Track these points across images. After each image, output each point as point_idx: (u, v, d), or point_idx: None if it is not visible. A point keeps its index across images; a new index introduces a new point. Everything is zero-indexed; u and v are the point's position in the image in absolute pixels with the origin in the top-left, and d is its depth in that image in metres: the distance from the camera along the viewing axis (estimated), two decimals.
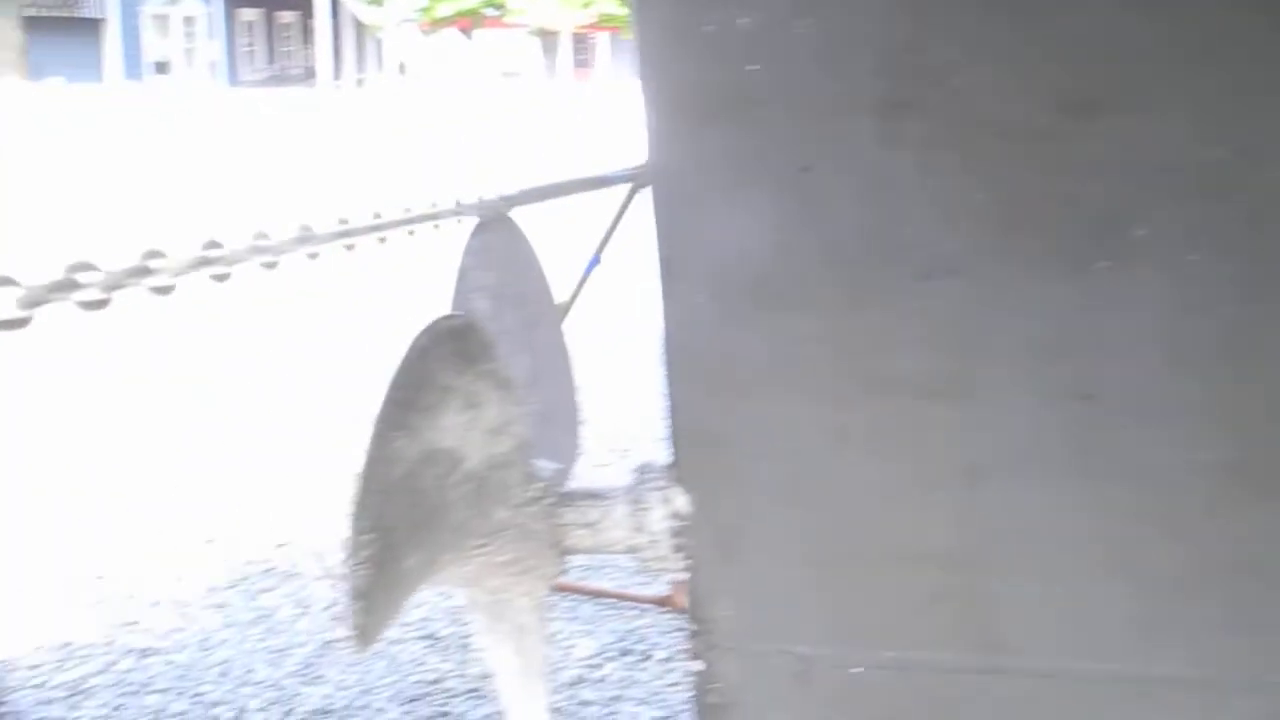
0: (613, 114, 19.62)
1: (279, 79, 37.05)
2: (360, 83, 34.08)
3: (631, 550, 1.37)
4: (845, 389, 1.26)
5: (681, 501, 1.30)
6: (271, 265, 0.67)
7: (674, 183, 1.27)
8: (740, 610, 1.32)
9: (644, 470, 1.37)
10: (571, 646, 3.53)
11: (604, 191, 3.30)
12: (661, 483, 1.34)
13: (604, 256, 3.53)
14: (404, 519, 1.10)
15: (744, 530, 1.30)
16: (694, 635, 1.33)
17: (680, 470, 1.30)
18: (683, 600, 3.51)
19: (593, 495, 1.38)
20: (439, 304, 1.44)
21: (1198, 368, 1.20)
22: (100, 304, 0.63)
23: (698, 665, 1.34)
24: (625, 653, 3.50)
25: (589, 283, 3.50)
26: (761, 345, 1.27)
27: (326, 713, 3.20)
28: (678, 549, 1.33)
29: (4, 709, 3.23)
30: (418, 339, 1.10)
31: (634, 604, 3.81)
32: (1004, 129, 1.17)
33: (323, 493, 4.36)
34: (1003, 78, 1.16)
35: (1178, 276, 1.17)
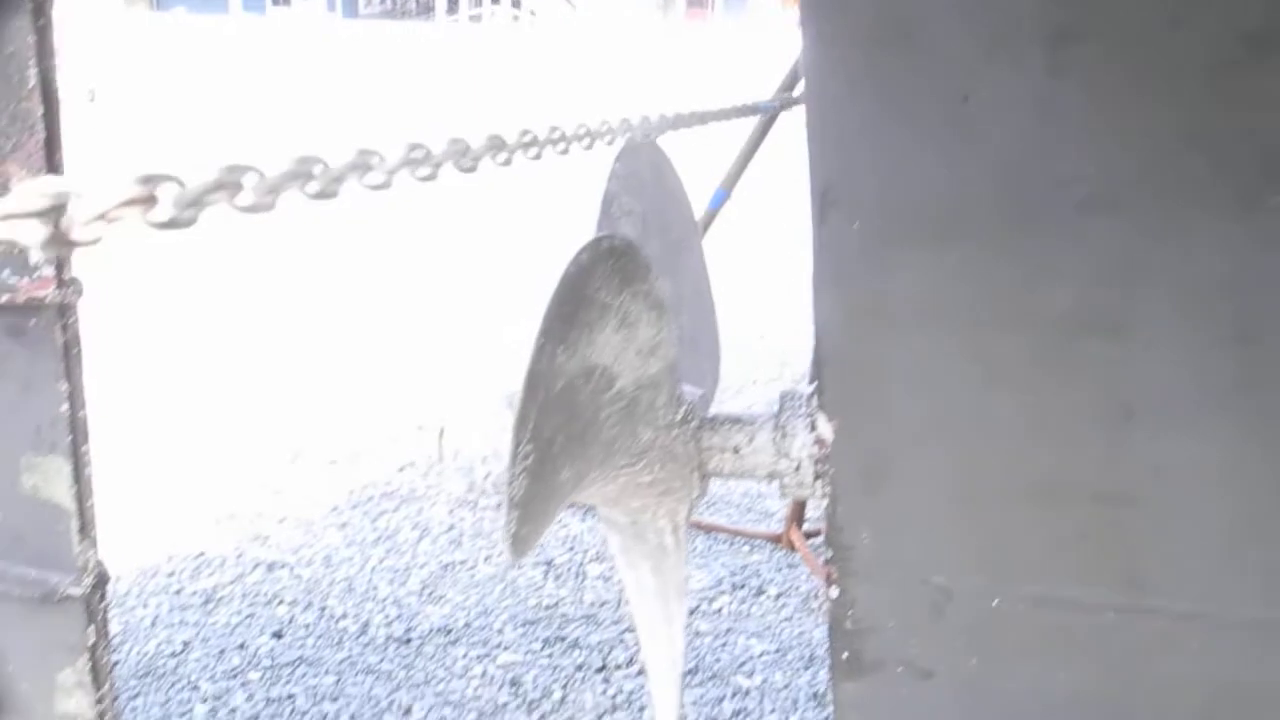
0: (731, 52, 19.41)
1: (395, 13, 37.30)
2: (475, 18, 34.19)
3: (773, 476, 1.38)
4: (998, 322, 1.25)
5: (826, 429, 1.31)
6: (429, 178, 0.69)
7: (831, 111, 1.27)
8: (880, 539, 1.33)
9: (788, 398, 1.38)
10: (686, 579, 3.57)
11: (731, 125, 3.28)
12: (806, 410, 1.35)
13: (733, 190, 3.53)
14: (561, 432, 1.13)
15: (888, 460, 1.31)
16: (833, 562, 1.34)
17: (826, 398, 1.31)
18: (795, 538, 3.52)
19: (737, 420, 1.40)
20: (582, 228, 1.46)
21: None
22: (262, 207, 0.65)
23: (835, 592, 1.35)
24: (738, 587, 3.53)
25: (717, 216, 3.50)
26: (915, 275, 1.26)
27: (447, 630, 3.28)
28: (820, 476, 1.34)
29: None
30: (579, 255, 1.12)
31: (748, 540, 3.84)
32: (1178, 60, 1.14)
33: (447, 415, 4.45)
34: (1178, 8, 1.14)
35: None
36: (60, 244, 0.55)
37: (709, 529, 3.87)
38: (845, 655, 1.37)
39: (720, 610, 3.38)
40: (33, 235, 0.54)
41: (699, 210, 3.49)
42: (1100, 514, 1.28)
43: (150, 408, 5.06)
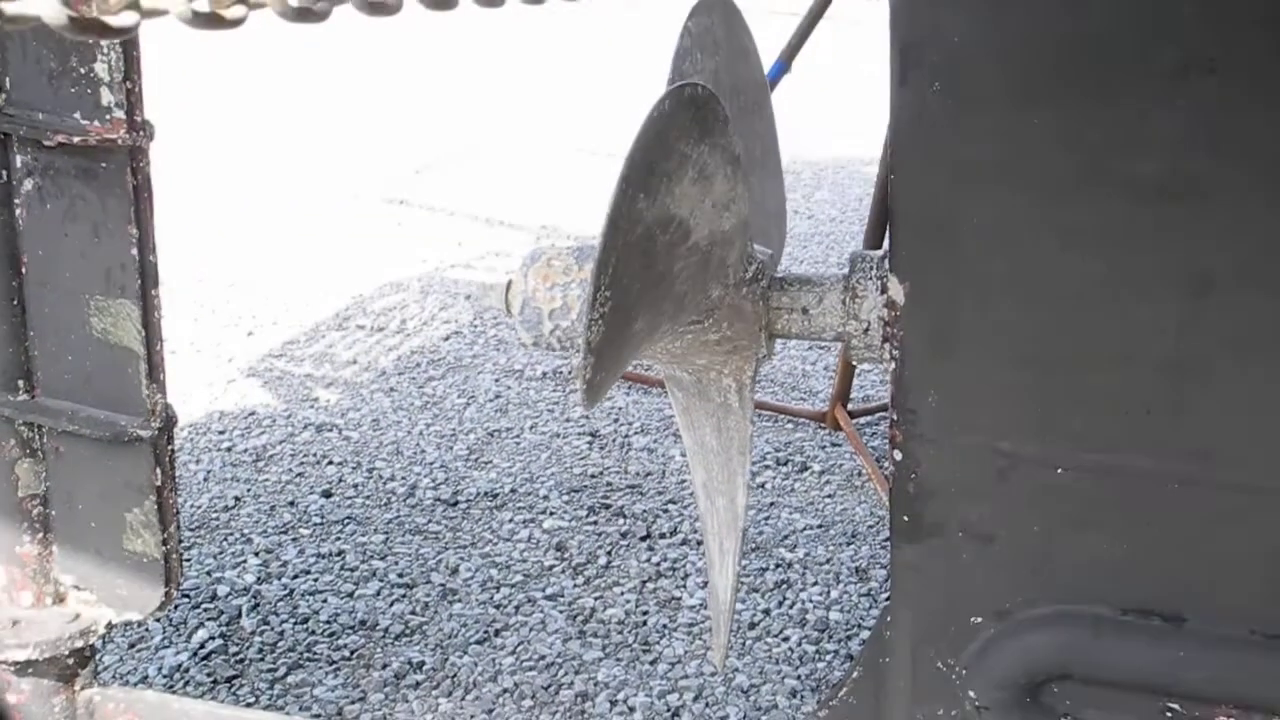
0: None
1: None
2: None
3: (841, 338, 1.38)
4: (1077, 186, 1.23)
5: (897, 290, 1.30)
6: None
7: None
8: (946, 403, 1.33)
9: (858, 260, 1.37)
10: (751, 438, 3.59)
11: None
12: (878, 272, 1.35)
13: (791, 64, 3.47)
14: (638, 280, 1.13)
15: (958, 323, 1.30)
16: (897, 425, 1.35)
17: (898, 260, 1.30)
18: (840, 416, 3.52)
19: (807, 281, 1.39)
20: (657, 81, 1.44)
21: None
22: (311, 16, 0.63)
23: (898, 455, 1.36)
24: (782, 463, 3.55)
25: (775, 90, 3.44)
26: (994, 137, 1.24)
27: (493, 495, 3.33)
28: (888, 339, 1.34)
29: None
30: (662, 102, 1.10)
31: (793, 418, 3.85)
32: None
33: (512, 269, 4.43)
34: None
35: None
36: (87, 28, 0.53)
37: (755, 406, 3.89)
38: (906, 518, 1.38)
39: (764, 485, 3.41)
40: (54, 13, 0.52)
41: None
42: (1167, 383, 1.27)
43: (200, 262, 5.10)
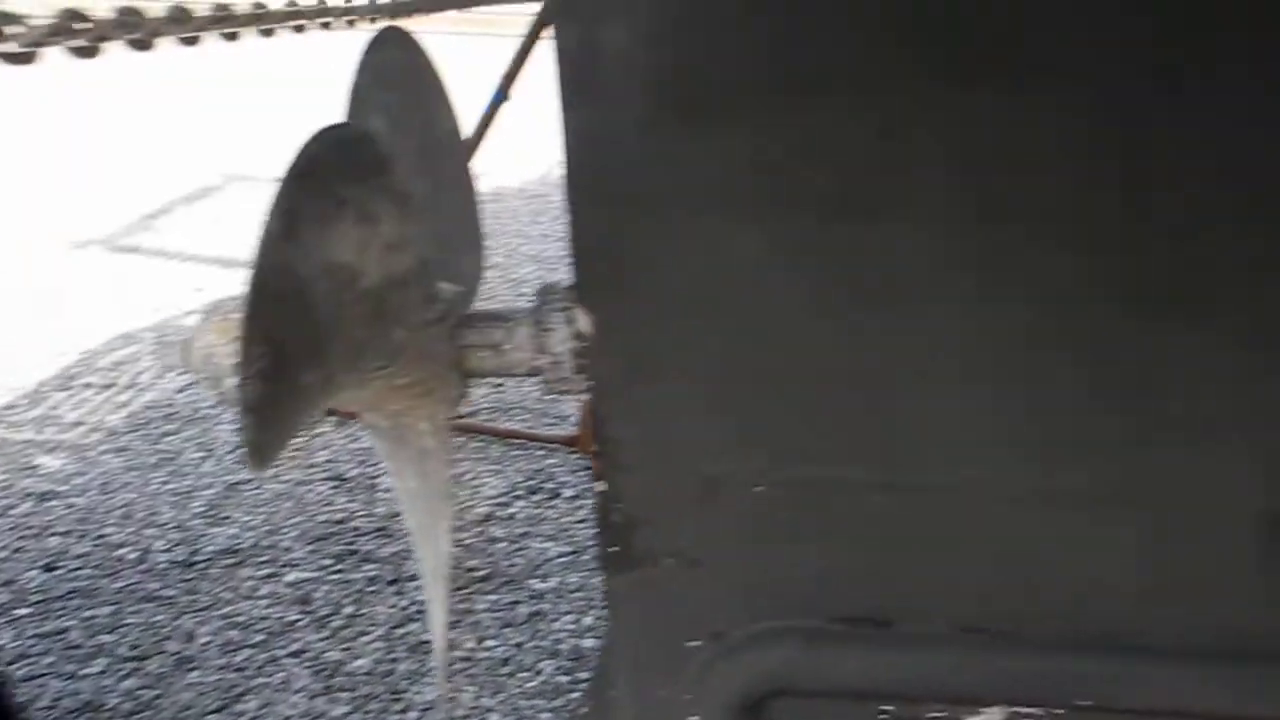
0: None
1: None
2: None
3: (534, 373, 1.35)
4: (761, 202, 1.23)
5: (584, 321, 1.28)
6: (145, 46, 0.62)
7: None
8: (644, 430, 1.31)
9: (547, 291, 1.34)
10: (480, 486, 3.54)
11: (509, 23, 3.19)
12: (564, 303, 1.32)
13: (511, 92, 3.44)
14: (297, 332, 1.07)
15: (650, 349, 1.29)
16: (598, 456, 1.33)
17: (582, 289, 1.28)
18: (590, 440, 3.52)
19: (495, 317, 1.35)
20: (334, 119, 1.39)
21: (1103, 188, 1.19)
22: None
23: (601, 486, 1.34)
24: (533, 491, 3.52)
25: (495, 118, 3.42)
26: (672, 158, 1.23)
27: (233, 551, 3.19)
28: (582, 370, 1.31)
29: None
30: (307, 146, 1.05)
31: (542, 445, 3.83)
32: None
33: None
34: None
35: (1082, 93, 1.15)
36: None
37: (503, 435, 3.84)
38: (614, 549, 1.36)
39: (515, 516, 3.37)
40: None
41: (480, 113, 3.40)
42: (864, 395, 1.29)
43: None
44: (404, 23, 1.49)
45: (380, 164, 1.14)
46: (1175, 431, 1.27)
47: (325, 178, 1.07)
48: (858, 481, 1.30)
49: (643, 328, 1.29)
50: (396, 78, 1.47)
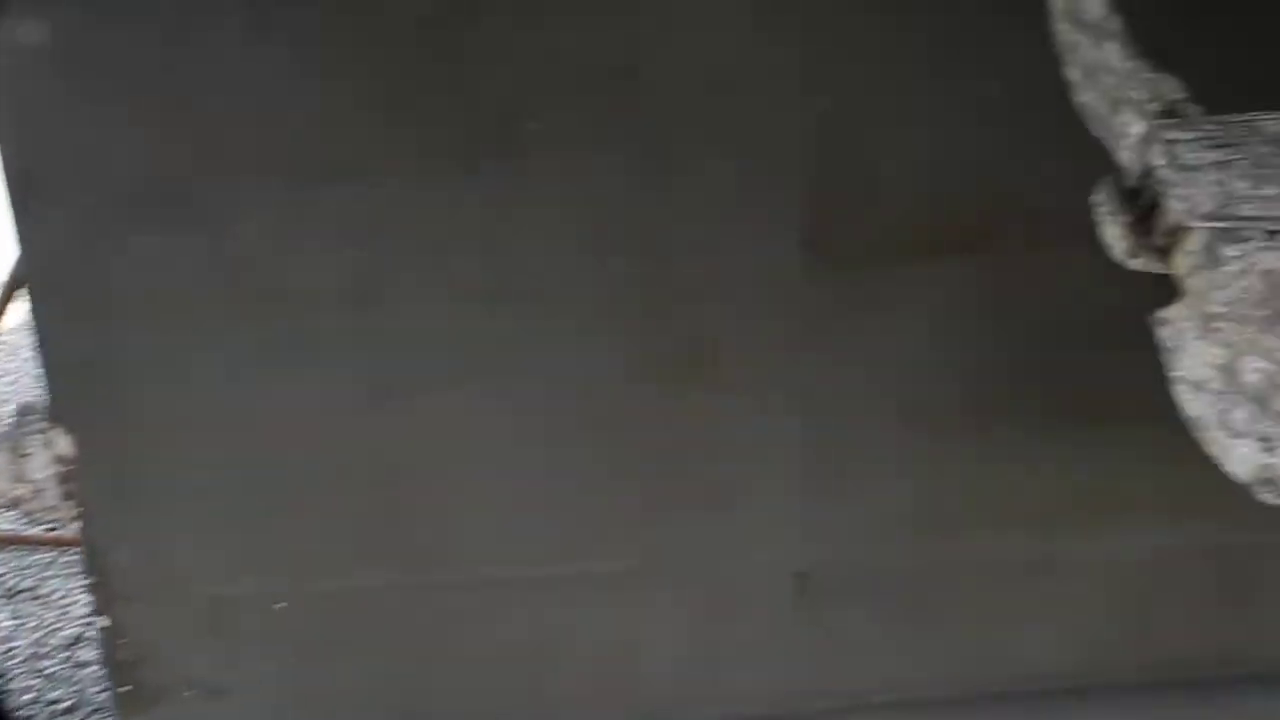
0: None
1: None
2: None
3: (16, 504, 1.22)
4: (238, 305, 1.15)
5: (64, 444, 1.16)
6: None
7: (24, 82, 1.11)
8: (144, 555, 1.21)
9: (25, 411, 1.22)
10: (68, 603, 3.25)
11: None
12: (42, 425, 1.20)
13: None
14: None
15: (137, 467, 1.18)
16: (95, 588, 1.21)
17: (58, 410, 1.16)
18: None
19: None
20: None
21: (603, 258, 1.18)
22: None
23: (104, 621, 1.22)
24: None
25: None
26: (139, 262, 1.14)
27: None
28: (68, 496, 1.19)
29: None
30: None
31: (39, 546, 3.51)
32: (390, 16, 1.09)
33: None
34: None
35: (573, 168, 1.15)
36: None
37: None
38: (127, 688, 1.24)
39: None
40: None
41: None
42: (378, 495, 1.23)
43: None
44: None
45: None
46: (699, 502, 1.28)
47: None
48: (379, 588, 1.24)
49: (129, 446, 1.18)
50: None
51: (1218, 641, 1.29)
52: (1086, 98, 0.86)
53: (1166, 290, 0.78)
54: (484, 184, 1.15)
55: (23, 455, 1.20)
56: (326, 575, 1.24)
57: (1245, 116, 0.75)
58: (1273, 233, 0.74)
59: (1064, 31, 0.87)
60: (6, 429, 1.22)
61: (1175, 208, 0.73)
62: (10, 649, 2.74)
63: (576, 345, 1.20)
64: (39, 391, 1.20)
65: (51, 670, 2.89)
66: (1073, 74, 0.87)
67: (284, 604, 1.23)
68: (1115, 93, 0.81)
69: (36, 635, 2.85)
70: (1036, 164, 1.09)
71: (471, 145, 1.14)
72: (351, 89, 1.12)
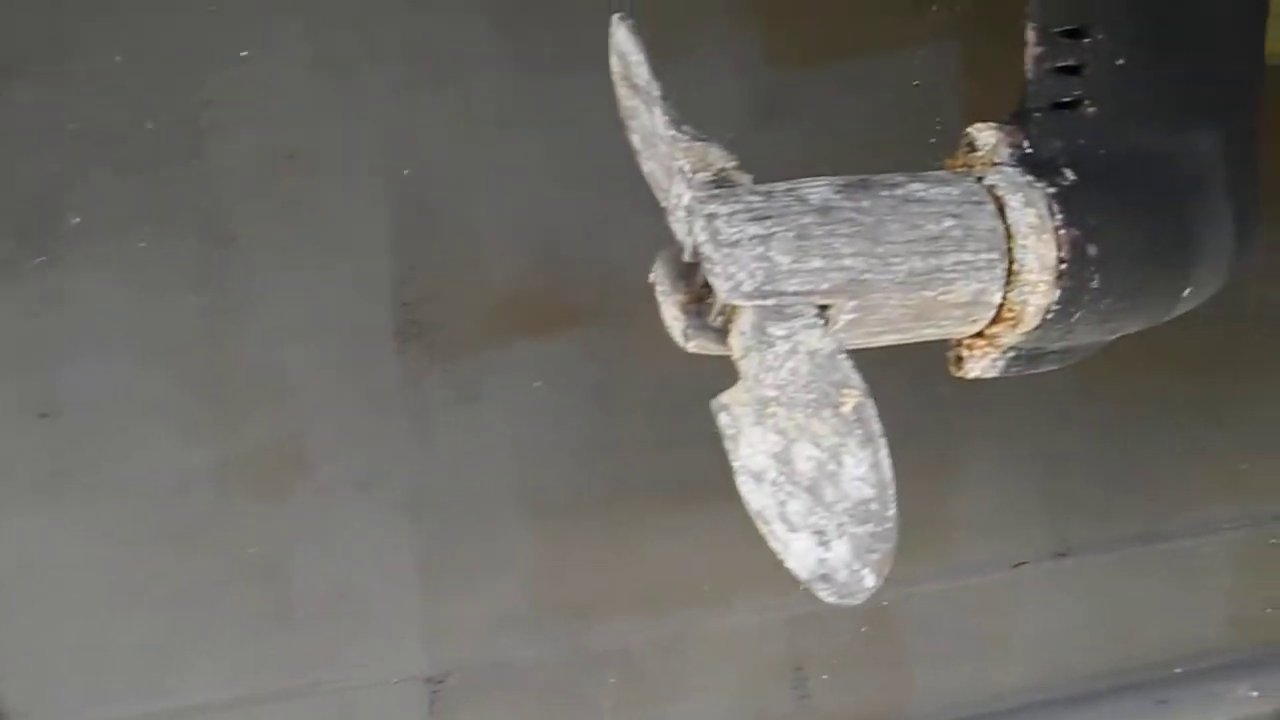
0: None
1: None
2: None
3: None
4: None
5: None
6: None
7: None
8: None
9: None
10: None
11: None
12: None
13: None
14: None
15: None
16: None
17: None
18: None
19: None
20: None
21: (168, 361, 1.06)
22: None
23: None
24: None
25: None
26: None
27: None
28: None
29: None
30: None
31: None
32: None
33: None
34: None
35: (128, 263, 1.03)
36: None
37: None
38: None
39: None
40: None
41: None
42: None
43: None
44: None
45: None
46: (315, 613, 1.17)
47: None
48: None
49: None
50: None
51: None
52: (648, 167, 0.80)
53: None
54: (23, 289, 1.02)
55: None
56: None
57: (789, 184, 0.71)
58: (822, 308, 0.69)
59: (623, 97, 0.81)
60: None
61: (719, 285, 0.68)
62: None
63: (149, 457, 1.07)
64: None
65: None
66: (634, 141, 0.81)
67: None
68: (667, 161, 0.75)
69: None
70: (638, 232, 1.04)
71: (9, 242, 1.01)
72: None
